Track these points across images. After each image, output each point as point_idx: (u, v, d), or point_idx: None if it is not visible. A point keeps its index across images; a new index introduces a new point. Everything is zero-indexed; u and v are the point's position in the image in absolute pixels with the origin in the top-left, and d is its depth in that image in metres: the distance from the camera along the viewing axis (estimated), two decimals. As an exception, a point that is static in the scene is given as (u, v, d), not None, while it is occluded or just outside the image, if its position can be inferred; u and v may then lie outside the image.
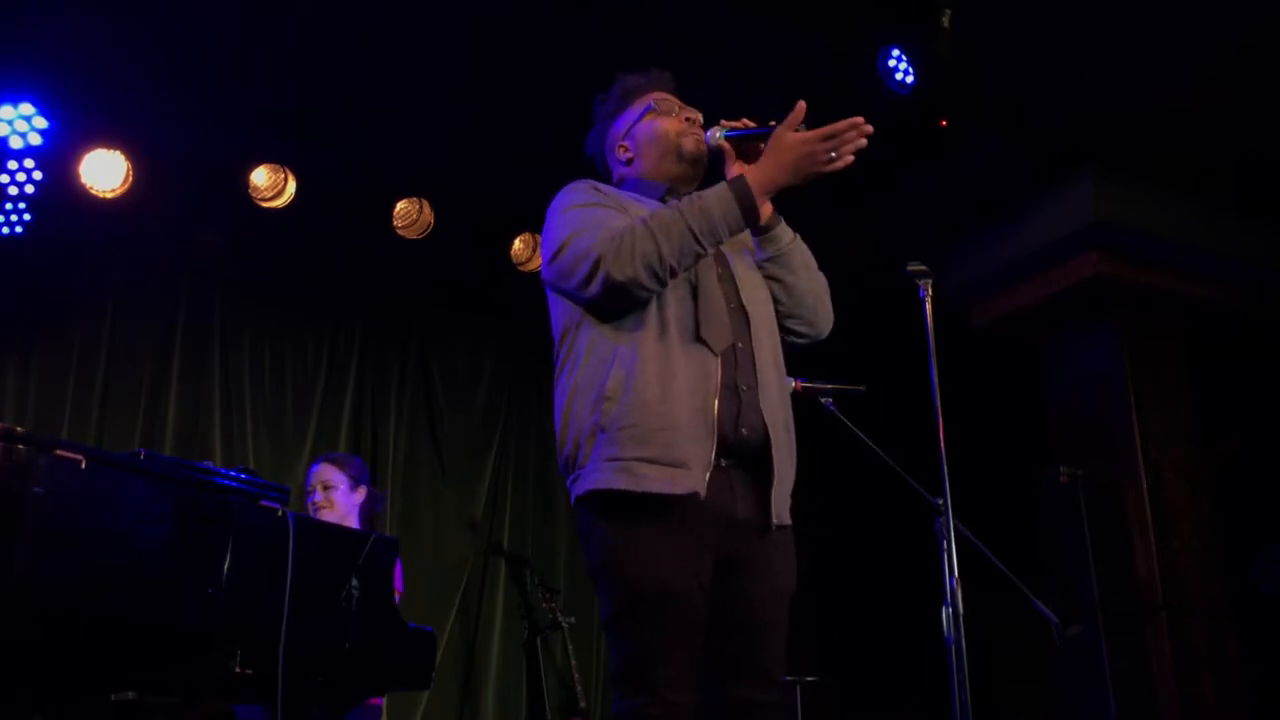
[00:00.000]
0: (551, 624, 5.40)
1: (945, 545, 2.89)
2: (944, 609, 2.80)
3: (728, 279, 2.21)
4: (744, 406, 2.08)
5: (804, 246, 2.33)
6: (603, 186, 2.29)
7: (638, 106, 2.39)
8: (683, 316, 2.10)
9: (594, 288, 2.05)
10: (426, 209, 5.26)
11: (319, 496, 3.78)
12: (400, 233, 5.25)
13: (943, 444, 2.86)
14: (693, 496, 1.99)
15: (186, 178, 4.87)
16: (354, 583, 3.02)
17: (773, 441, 2.10)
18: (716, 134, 2.28)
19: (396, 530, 5.20)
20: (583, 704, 5.27)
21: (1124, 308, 5.48)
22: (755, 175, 2.11)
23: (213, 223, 5.15)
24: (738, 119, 2.27)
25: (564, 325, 2.20)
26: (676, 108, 2.37)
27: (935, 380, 2.87)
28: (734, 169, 2.24)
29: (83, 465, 2.43)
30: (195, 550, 2.65)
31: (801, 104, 2.12)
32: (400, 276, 5.67)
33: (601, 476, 2.02)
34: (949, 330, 3.29)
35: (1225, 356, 5.70)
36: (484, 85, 4.53)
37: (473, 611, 5.64)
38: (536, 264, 5.45)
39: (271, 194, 4.96)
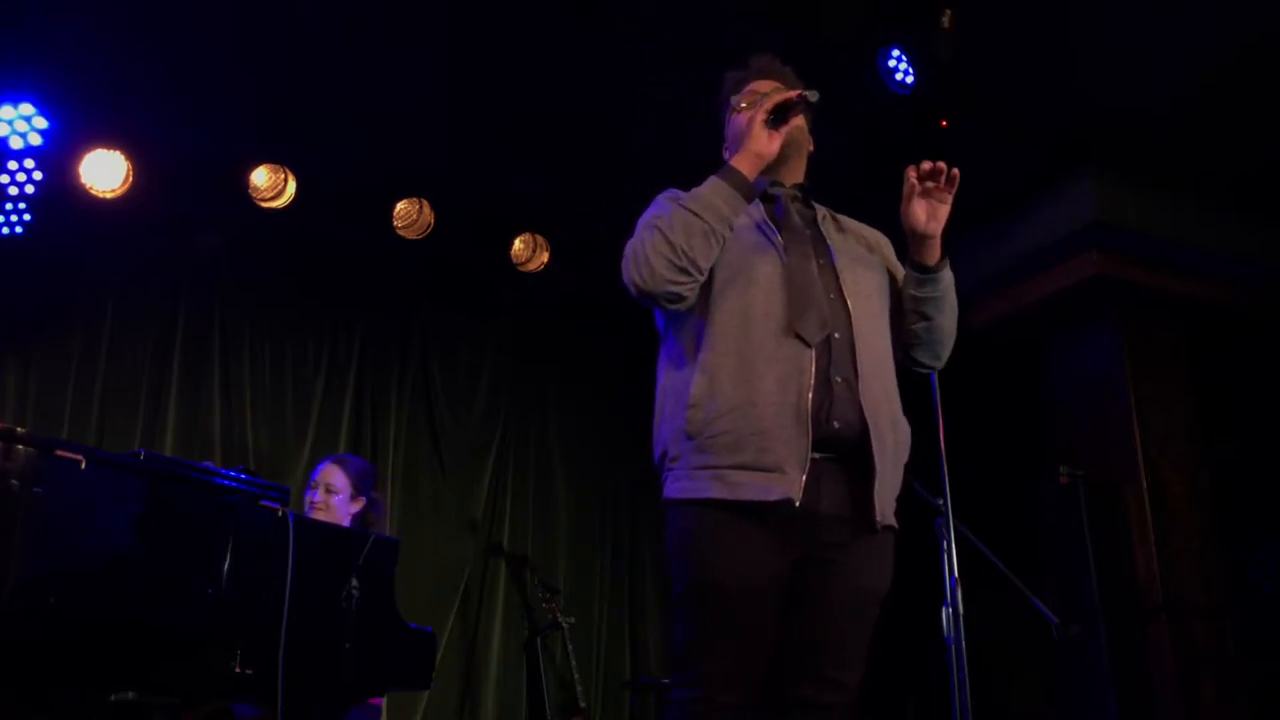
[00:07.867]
0: (551, 624, 5.40)
1: (945, 545, 2.90)
2: (944, 609, 2.81)
3: (828, 269, 2.16)
4: (836, 399, 2.03)
5: (953, 286, 2.28)
6: (683, 197, 2.23)
7: (731, 107, 2.34)
8: (772, 309, 2.07)
9: (634, 294, 2.10)
10: (426, 209, 5.25)
11: (318, 496, 3.76)
12: (400, 233, 5.25)
13: (943, 444, 2.87)
14: (787, 502, 1.96)
15: (186, 178, 4.86)
16: (354, 583, 3.02)
17: (873, 436, 2.03)
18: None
19: (396, 530, 5.19)
20: (583, 704, 5.28)
21: (1124, 308, 5.47)
22: (737, 155, 2.14)
23: (213, 223, 5.16)
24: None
25: (661, 326, 2.23)
26: (760, 98, 2.21)
27: (935, 380, 2.88)
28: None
29: (83, 465, 2.43)
30: (195, 550, 2.65)
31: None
32: (400, 276, 5.66)
33: (695, 485, 2.01)
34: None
35: (1225, 356, 5.70)
36: (484, 85, 4.53)
37: (473, 611, 5.64)
38: (536, 264, 5.45)
39: (271, 194, 4.96)
